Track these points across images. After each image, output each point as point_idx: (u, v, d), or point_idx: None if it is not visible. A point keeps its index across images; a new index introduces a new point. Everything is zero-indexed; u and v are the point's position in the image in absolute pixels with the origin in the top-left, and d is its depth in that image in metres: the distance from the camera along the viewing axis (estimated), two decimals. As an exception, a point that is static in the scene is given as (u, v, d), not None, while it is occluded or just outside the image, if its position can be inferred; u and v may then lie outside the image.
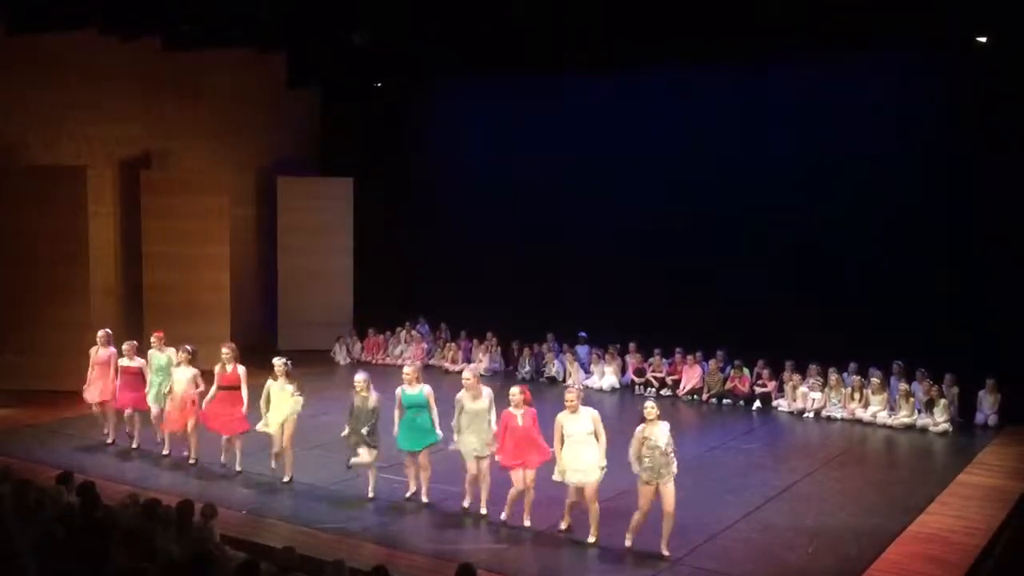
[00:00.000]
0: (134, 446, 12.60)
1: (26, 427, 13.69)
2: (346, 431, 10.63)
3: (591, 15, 14.71)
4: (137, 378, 12.48)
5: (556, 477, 9.33)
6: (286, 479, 11.16)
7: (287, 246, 20.23)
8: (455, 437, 10.11)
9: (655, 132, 17.53)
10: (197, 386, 11.86)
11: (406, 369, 10.61)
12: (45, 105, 16.42)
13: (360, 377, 10.63)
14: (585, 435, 9.19)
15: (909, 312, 14.79)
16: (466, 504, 10.21)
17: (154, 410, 12.33)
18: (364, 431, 10.47)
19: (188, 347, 12.09)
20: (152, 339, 12.58)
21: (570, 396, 9.30)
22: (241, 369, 11.58)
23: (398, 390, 10.42)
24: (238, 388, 11.52)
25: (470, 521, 10.00)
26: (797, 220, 16.07)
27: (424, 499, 10.43)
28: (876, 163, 15.47)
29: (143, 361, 12.51)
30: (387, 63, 18.81)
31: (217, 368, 11.66)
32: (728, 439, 13.62)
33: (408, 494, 10.58)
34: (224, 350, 11.69)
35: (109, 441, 12.87)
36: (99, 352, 12.81)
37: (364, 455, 10.50)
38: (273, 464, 11.35)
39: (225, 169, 18.83)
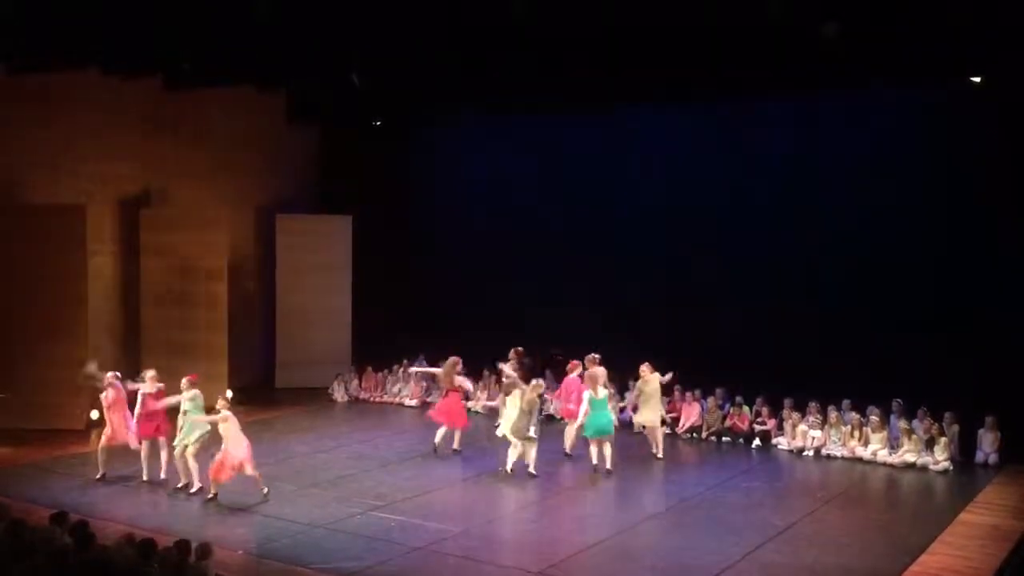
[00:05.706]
0: (152, 478, 12.51)
1: (22, 465, 13.58)
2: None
3: (590, 56, 14.80)
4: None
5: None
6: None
7: (286, 284, 20.21)
8: None
9: (653, 171, 17.59)
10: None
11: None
12: (45, 143, 16.43)
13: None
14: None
15: (909, 350, 14.73)
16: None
17: (177, 450, 12.19)
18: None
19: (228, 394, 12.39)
20: (183, 382, 12.21)
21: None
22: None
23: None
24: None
25: (473, 560, 9.92)
26: (797, 258, 16.08)
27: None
28: (875, 201, 15.51)
29: (162, 385, 12.48)
30: (387, 101, 18.90)
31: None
32: (727, 477, 13.53)
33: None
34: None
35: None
36: (109, 394, 12.59)
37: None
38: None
39: (224, 207, 18.77)
